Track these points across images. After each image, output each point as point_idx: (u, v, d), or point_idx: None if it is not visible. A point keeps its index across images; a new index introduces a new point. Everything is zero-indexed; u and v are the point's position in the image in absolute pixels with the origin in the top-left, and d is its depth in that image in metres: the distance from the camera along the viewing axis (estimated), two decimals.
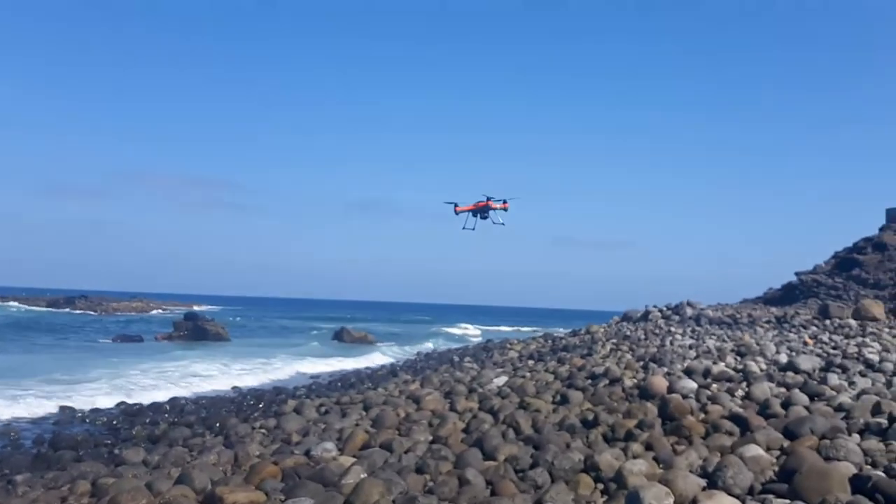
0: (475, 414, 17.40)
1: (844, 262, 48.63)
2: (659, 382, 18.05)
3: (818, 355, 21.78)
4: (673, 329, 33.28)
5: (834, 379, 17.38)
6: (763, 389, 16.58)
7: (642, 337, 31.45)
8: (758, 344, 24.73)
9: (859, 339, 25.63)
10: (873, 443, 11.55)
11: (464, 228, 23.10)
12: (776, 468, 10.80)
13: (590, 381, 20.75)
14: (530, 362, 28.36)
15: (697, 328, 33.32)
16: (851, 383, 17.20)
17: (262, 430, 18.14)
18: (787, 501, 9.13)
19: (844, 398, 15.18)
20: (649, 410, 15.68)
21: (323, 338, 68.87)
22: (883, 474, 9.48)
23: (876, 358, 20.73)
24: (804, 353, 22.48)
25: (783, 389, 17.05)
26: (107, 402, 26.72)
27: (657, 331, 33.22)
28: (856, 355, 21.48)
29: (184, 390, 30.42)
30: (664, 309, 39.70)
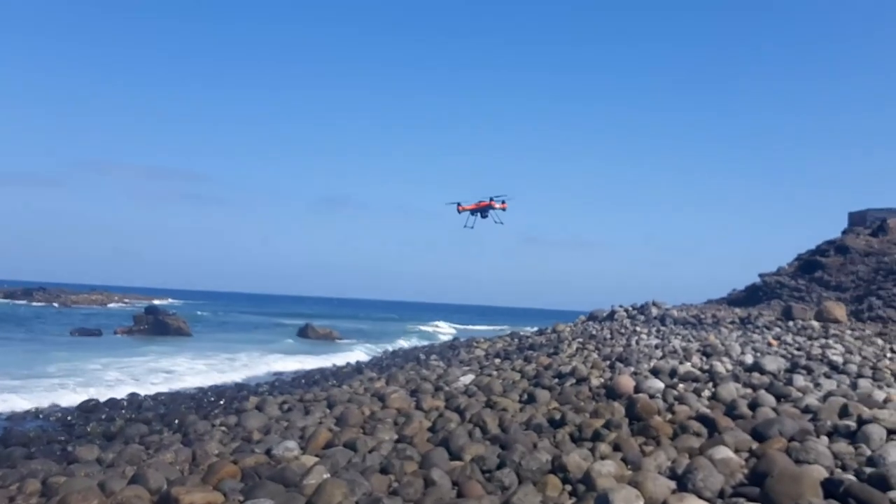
0: (441, 413, 17.13)
1: (807, 265, 49.21)
2: (626, 382, 17.95)
3: (783, 356, 21.87)
4: (638, 329, 33.33)
5: (800, 380, 17.43)
6: (729, 390, 16.55)
7: (608, 336, 31.44)
8: (723, 344, 24.80)
9: (822, 341, 25.85)
10: (843, 445, 11.50)
11: (465, 227, 24.01)
12: (745, 471, 10.70)
13: (556, 380, 20.61)
14: (497, 361, 28.17)
15: (663, 328, 33.40)
16: (817, 385, 17.26)
17: (223, 428, 17.68)
18: None
19: (811, 400, 15.19)
20: (616, 410, 15.54)
21: (287, 334, 68.07)
22: (854, 478, 9.40)
23: (840, 360, 20.89)
24: (769, 354, 22.57)
25: (749, 390, 17.03)
26: (62, 397, 25.97)
27: (623, 330, 33.25)
28: (820, 357, 21.64)
29: (143, 386, 29.70)
30: (630, 309, 39.82)
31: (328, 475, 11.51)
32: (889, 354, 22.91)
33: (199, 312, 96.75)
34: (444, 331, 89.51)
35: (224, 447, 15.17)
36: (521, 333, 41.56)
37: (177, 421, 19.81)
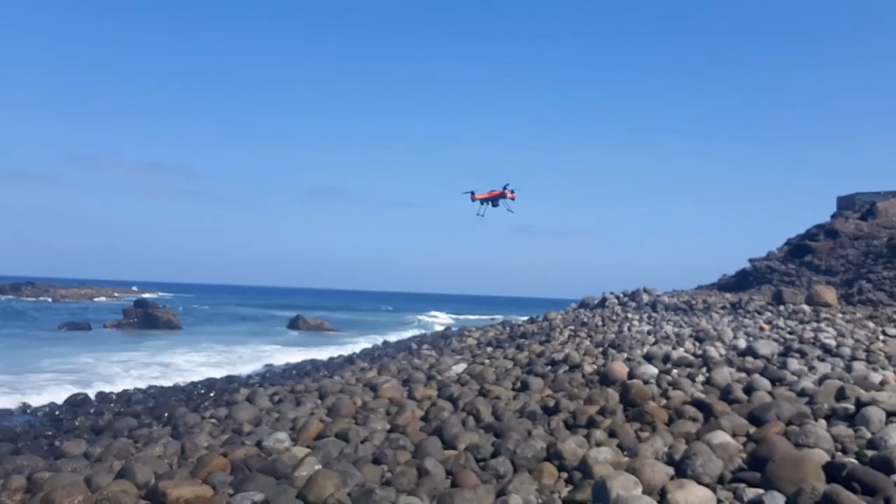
0: (434, 402, 16.94)
1: (797, 249, 49.22)
2: (619, 368, 17.81)
3: (775, 340, 21.81)
4: (630, 315, 33.24)
5: (794, 364, 17.33)
6: (724, 374, 16.43)
7: (600, 323, 31.32)
8: (715, 329, 24.73)
9: (814, 325, 25.80)
10: (842, 428, 11.35)
11: (477, 215, 24.79)
12: (744, 455, 10.56)
13: (549, 367, 20.47)
14: (489, 349, 28.01)
15: (654, 314, 33.33)
16: (811, 368, 17.16)
17: (213, 420, 17.46)
18: (761, 491, 8.82)
19: (807, 383, 15.09)
20: (610, 396, 15.39)
21: (278, 326, 67.73)
22: (856, 461, 9.25)
23: (833, 343, 20.82)
24: (762, 338, 22.49)
25: (743, 374, 16.94)
26: (49, 392, 25.61)
27: (614, 317, 33.16)
28: (812, 340, 21.59)
29: (132, 380, 29.39)
30: (621, 295, 39.76)
31: (320, 466, 11.30)
32: (882, 337, 22.84)
33: (189, 306, 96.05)
34: (442, 321, 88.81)
35: (214, 440, 14.95)
36: (513, 322, 41.43)
37: (166, 414, 19.53)
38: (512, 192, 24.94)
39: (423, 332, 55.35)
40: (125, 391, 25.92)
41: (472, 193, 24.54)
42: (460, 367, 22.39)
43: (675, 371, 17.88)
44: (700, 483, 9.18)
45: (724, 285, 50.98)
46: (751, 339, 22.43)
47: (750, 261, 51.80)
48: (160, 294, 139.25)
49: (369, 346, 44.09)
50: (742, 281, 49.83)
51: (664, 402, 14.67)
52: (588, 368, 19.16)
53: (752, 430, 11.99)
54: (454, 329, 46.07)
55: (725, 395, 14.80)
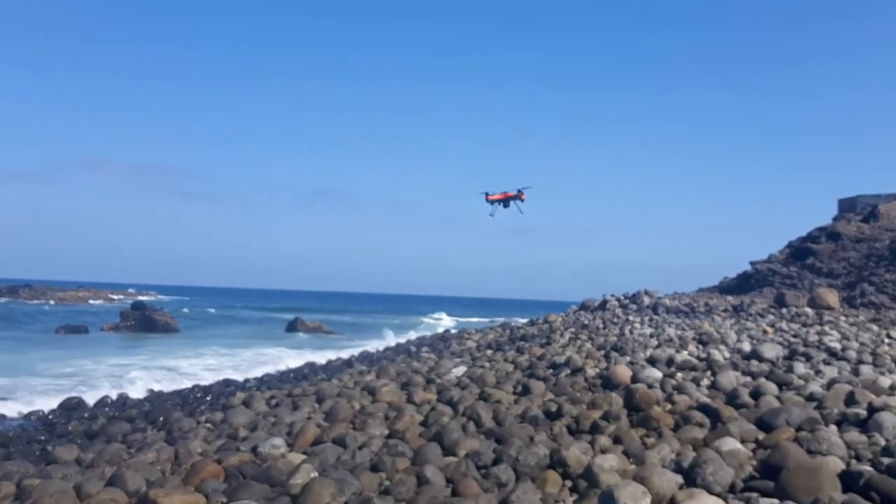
0: (433, 406, 16.58)
1: (799, 252, 48.97)
2: (622, 372, 17.50)
3: (780, 343, 21.50)
4: (631, 318, 32.93)
5: (800, 367, 17.03)
6: (729, 378, 16.12)
7: (601, 326, 31.01)
8: (718, 332, 24.43)
9: (818, 328, 25.53)
10: (855, 435, 11.03)
11: (490, 215, 25.70)
12: (754, 462, 10.23)
13: (551, 370, 20.14)
14: (489, 352, 27.68)
15: (655, 317, 33.03)
16: (818, 372, 16.86)
17: (208, 425, 17.10)
18: (775, 501, 8.48)
19: (815, 387, 14.78)
20: (614, 401, 15.05)
21: (277, 329, 67.38)
22: (872, 469, 8.92)
23: (838, 346, 20.54)
24: (766, 341, 22.19)
25: (749, 378, 16.64)
26: (45, 396, 25.31)
27: (615, 319, 32.84)
28: (817, 343, 21.28)
29: (127, 383, 29.04)
30: (621, 298, 39.44)
31: (316, 474, 10.96)
32: (887, 340, 22.60)
33: (187, 309, 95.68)
34: (447, 323, 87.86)
35: (208, 445, 14.60)
36: (513, 324, 41.11)
37: (161, 418, 19.18)
38: (521, 192, 25.54)
39: (426, 334, 54.87)
40: (121, 395, 25.57)
41: (487, 194, 25.09)
42: (460, 371, 22.06)
43: (679, 375, 17.56)
44: (710, 493, 8.84)
45: (725, 288, 50.71)
46: (755, 342, 22.14)
47: (751, 263, 51.55)
48: (158, 296, 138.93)
49: (369, 349, 43.76)
50: (743, 283, 49.57)
51: (669, 406, 14.36)
52: (590, 372, 18.82)
53: (761, 436, 11.66)
54: (450, 331, 45.73)
55: (732, 399, 14.49)
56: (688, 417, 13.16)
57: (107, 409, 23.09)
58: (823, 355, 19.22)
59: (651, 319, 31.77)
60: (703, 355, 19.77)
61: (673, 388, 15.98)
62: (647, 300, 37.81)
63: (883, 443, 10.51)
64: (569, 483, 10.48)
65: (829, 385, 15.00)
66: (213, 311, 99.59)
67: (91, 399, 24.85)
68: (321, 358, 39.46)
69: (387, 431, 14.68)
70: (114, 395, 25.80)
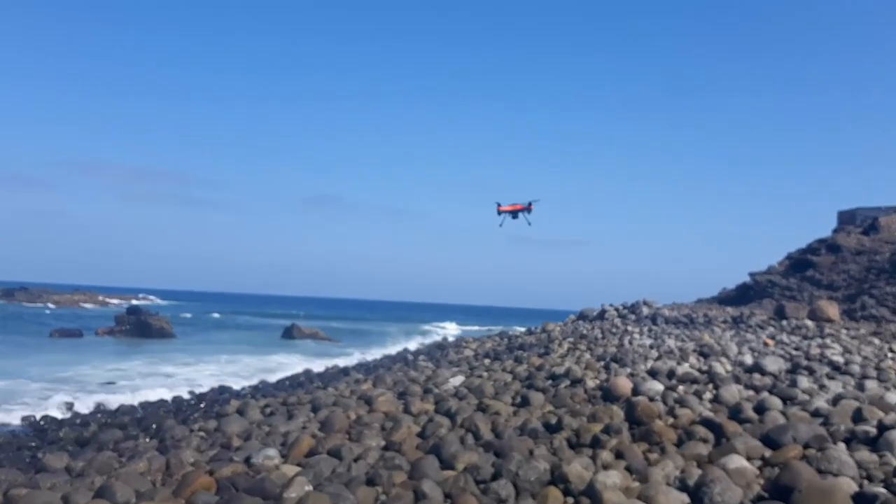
0: (431, 417, 16.28)
1: (798, 263, 48.69)
2: (623, 384, 17.21)
3: (781, 356, 21.24)
4: (630, 328, 32.69)
5: (804, 382, 16.75)
6: (732, 392, 15.86)
7: (599, 336, 30.76)
8: (719, 344, 24.17)
9: (819, 341, 25.30)
10: (865, 454, 10.75)
11: (500, 226, 26.27)
12: (762, 481, 9.95)
13: (550, 381, 19.84)
14: (486, 361, 27.40)
15: (654, 327, 32.79)
16: (822, 386, 16.59)
17: (201, 433, 16.81)
18: None
19: (820, 403, 14.49)
20: (615, 414, 14.79)
21: (273, 335, 66.94)
22: (885, 491, 8.65)
23: (840, 359, 20.28)
24: (767, 354, 21.93)
25: (752, 392, 16.37)
26: (37, 401, 24.99)
27: (614, 330, 32.61)
28: (819, 357, 21.02)
29: (120, 389, 28.77)
30: (620, 308, 39.23)
31: (310, 487, 10.67)
32: (890, 354, 22.34)
33: (183, 313, 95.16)
34: (452, 332, 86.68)
35: (201, 454, 14.30)
36: (511, 333, 40.84)
37: (154, 426, 18.91)
38: (531, 204, 26.24)
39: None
40: (113, 401, 25.24)
41: (498, 205, 25.88)
42: (458, 380, 21.76)
43: (680, 388, 17.28)
44: None
45: (724, 299, 50.40)
46: (756, 354, 21.87)
47: (750, 274, 51.25)
48: (154, 300, 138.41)
49: (367, 357, 43.47)
50: (743, 295, 49.26)
51: (671, 420, 14.09)
52: (590, 383, 18.53)
53: (767, 453, 11.39)
54: (447, 339, 45.41)
55: (735, 414, 14.22)
56: (691, 432, 12.88)
57: (98, 415, 22.77)
58: (826, 369, 18.95)
59: (650, 330, 31.53)
60: (705, 368, 19.50)
61: (675, 402, 15.70)
62: (645, 310, 37.57)
63: (895, 463, 10.23)
64: (570, 500, 10.22)
65: (835, 401, 14.73)
66: (208, 316, 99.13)
67: (83, 405, 24.54)
68: (318, 365, 39.16)
69: (383, 443, 14.39)
70: (104, 400, 25.47)
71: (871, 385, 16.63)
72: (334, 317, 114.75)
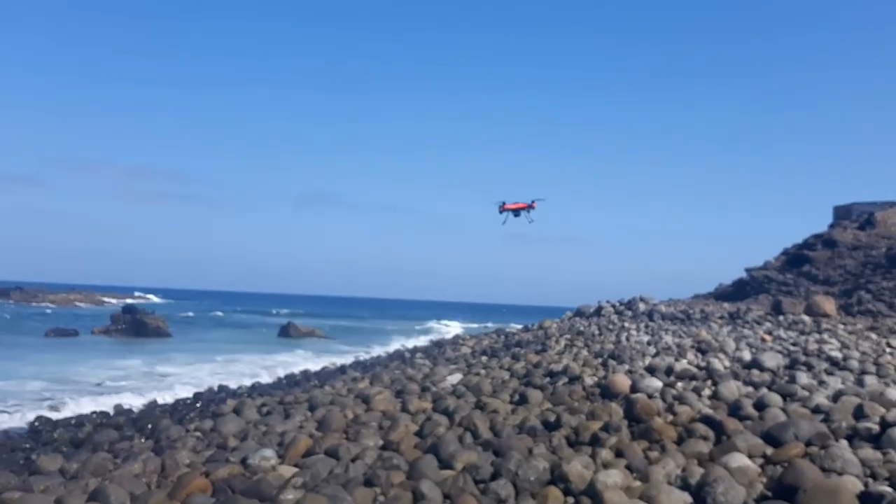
0: (429, 415, 16.16)
1: (795, 259, 48.69)
2: (621, 381, 17.13)
3: (779, 352, 21.19)
4: (627, 324, 32.63)
5: (803, 378, 16.67)
6: (731, 389, 15.77)
7: (596, 332, 30.69)
8: (716, 340, 24.12)
9: (817, 336, 25.23)
10: (868, 452, 10.64)
11: (503, 224, 27.54)
12: (764, 480, 9.85)
13: (548, 378, 19.75)
14: (483, 358, 27.33)
15: (651, 323, 32.73)
16: (821, 382, 16.51)
17: (197, 433, 16.66)
18: None
19: (820, 399, 14.39)
20: (614, 411, 14.69)
21: (269, 333, 66.79)
22: (892, 490, 8.55)
23: (839, 355, 20.22)
24: (765, 349, 21.87)
25: (751, 388, 16.30)
26: (32, 401, 24.87)
27: (611, 326, 32.54)
28: (817, 352, 20.97)
29: (116, 388, 28.62)
30: (617, 304, 39.19)
31: (307, 489, 10.54)
32: (888, 349, 22.27)
33: (179, 312, 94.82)
34: (454, 330, 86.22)
35: (196, 455, 14.16)
36: (507, 330, 40.76)
37: (149, 426, 18.74)
38: (533, 202, 27.31)
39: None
40: (108, 401, 25.08)
41: (504, 203, 27.03)
42: (455, 378, 21.67)
43: (679, 384, 17.19)
44: None
45: (720, 294, 50.40)
46: (754, 350, 21.81)
47: (747, 270, 51.24)
48: (150, 298, 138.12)
49: (363, 355, 43.36)
50: (739, 290, 49.25)
51: (671, 417, 14.00)
52: (588, 381, 18.44)
53: (769, 451, 11.29)
54: (445, 337, 45.32)
55: (735, 410, 14.12)
56: (691, 430, 12.79)
57: (93, 415, 22.60)
58: (825, 365, 18.89)
59: (647, 326, 31.47)
60: (703, 364, 19.43)
61: (674, 399, 15.61)
62: (642, 307, 37.54)
63: None
64: (571, 500, 10.11)
65: (836, 397, 14.64)
66: (205, 314, 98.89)
67: (78, 405, 24.37)
68: (314, 363, 39.06)
69: (381, 442, 14.27)
70: (101, 400, 25.32)
71: (871, 381, 16.54)
72: (332, 315, 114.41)
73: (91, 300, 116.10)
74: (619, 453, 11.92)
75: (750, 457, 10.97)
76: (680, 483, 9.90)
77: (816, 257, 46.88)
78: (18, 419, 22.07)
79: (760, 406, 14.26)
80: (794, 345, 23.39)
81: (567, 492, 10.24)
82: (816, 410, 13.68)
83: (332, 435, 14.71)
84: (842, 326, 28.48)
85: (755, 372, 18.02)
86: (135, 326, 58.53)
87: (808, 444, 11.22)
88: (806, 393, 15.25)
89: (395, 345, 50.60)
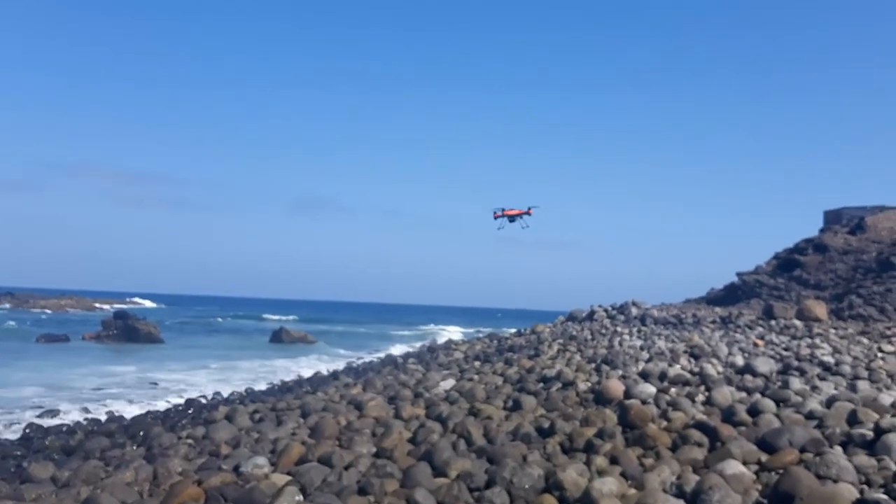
0: (422, 422, 16.13)
1: (786, 263, 48.95)
2: (615, 386, 17.12)
3: (771, 357, 21.23)
4: (619, 329, 32.69)
5: (796, 383, 16.70)
6: (724, 394, 15.80)
7: (589, 337, 30.73)
8: (709, 345, 24.17)
9: (808, 341, 25.34)
10: (863, 458, 10.65)
11: (498, 229, 27.96)
12: (759, 487, 9.84)
13: (541, 384, 19.75)
14: (476, 363, 27.30)
15: (643, 328, 32.80)
16: (814, 388, 16.54)
17: (189, 441, 16.56)
18: None
19: (813, 405, 14.43)
20: (608, 417, 14.70)
21: (261, 339, 66.54)
22: (888, 497, 8.56)
23: (831, 360, 20.28)
24: (758, 354, 21.91)
25: (744, 394, 16.33)
26: (23, 408, 24.67)
27: (603, 331, 32.59)
28: (809, 357, 21.03)
29: (107, 395, 28.43)
30: (609, 308, 39.25)
31: (300, 497, 10.51)
32: (879, 354, 22.36)
33: (171, 318, 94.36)
34: (456, 337, 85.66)
35: (189, 463, 14.07)
36: (500, 335, 40.75)
37: (141, 433, 18.63)
38: (530, 209, 27.77)
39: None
40: (99, 408, 24.94)
41: (503, 210, 27.57)
42: (448, 384, 21.63)
43: (673, 390, 17.21)
44: None
45: (712, 299, 50.62)
46: (747, 355, 21.87)
47: (738, 274, 51.48)
48: (144, 303, 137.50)
49: (355, 360, 43.27)
50: (731, 295, 49.48)
51: (665, 423, 14.00)
52: (582, 386, 18.44)
53: (763, 457, 11.30)
54: (437, 342, 45.28)
55: (729, 416, 14.14)
56: (685, 437, 12.78)
57: (85, 422, 22.45)
58: (817, 370, 18.94)
59: (640, 331, 31.52)
60: (696, 369, 19.45)
61: (667, 405, 15.62)
62: (634, 311, 37.61)
63: (894, 467, 10.14)
64: None
65: (829, 403, 14.67)
66: (197, 320, 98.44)
67: (69, 411, 24.22)
68: (306, 369, 38.96)
69: (374, 449, 14.22)
70: (93, 407, 25.18)
71: (864, 386, 16.60)
72: (325, 320, 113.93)
73: (83, 306, 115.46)
74: (613, 460, 11.90)
75: (745, 463, 10.97)
76: (675, 490, 9.89)
77: (808, 262, 47.13)
78: (9, 426, 21.91)
79: (754, 412, 14.29)
80: (786, 350, 23.47)
81: (562, 500, 10.21)
82: (810, 416, 13.71)
83: (325, 442, 14.65)
84: (833, 331, 28.59)
85: (748, 377, 18.05)
86: (126, 332, 58.20)
87: (803, 450, 11.22)
88: (799, 398, 15.28)
89: (396, 351, 50.40)
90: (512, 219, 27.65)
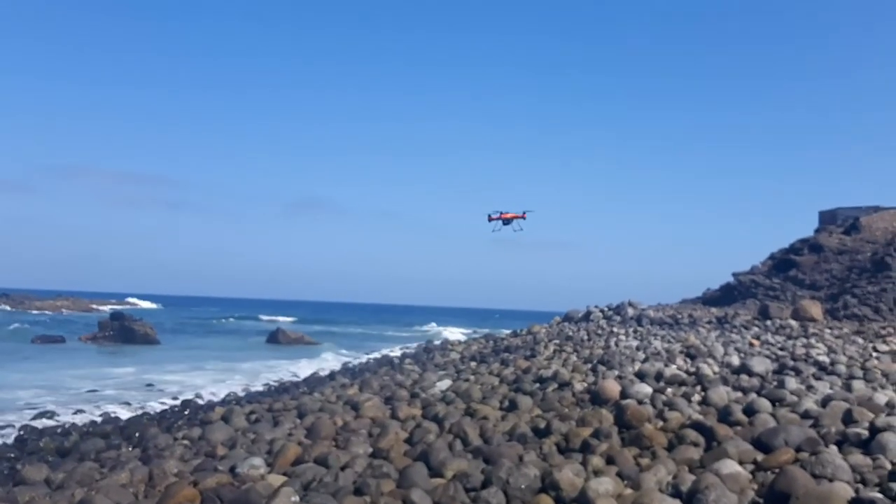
0: (419, 423, 16.14)
1: (781, 264, 49.01)
2: (611, 387, 17.14)
3: (767, 357, 21.27)
4: (615, 329, 32.73)
5: (791, 383, 16.72)
6: (720, 394, 15.82)
7: (585, 337, 30.76)
8: (705, 345, 24.20)
9: (804, 341, 25.39)
10: (858, 457, 10.67)
11: (493, 231, 28.40)
12: (755, 486, 9.86)
13: (538, 384, 19.76)
14: (473, 364, 27.33)
15: (640, 328, 32.84)
16: (810, 387, 16.57)
17: (185, 442, 16.53)
18: None
19: (809, 404, 14.45)
20: (604, 417, 14.70)
21: (258, 340, 66.44)
22: (882, 496, 8.58)
23: (826, 360, 20.32)
24: (753, 354, 21.95)
25: (740, 394, 16.34)
26: (17, 410, 24.60)
27: (600, 331, 32.62)
28: (804, 357, 21.07)
29: (103, 396, 28.37)
30: (605, 309, 39.25)
31: (297, 498, 10.49)
32: (874, 354, 22.40)
33: (167, 319, 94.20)
34: (458, 337, 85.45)
35: (185, 464, 14.04)
36: (496, 335, 40.75)
37: (137, 434, 18.60)
38: (524, 213, 28.21)
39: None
40: (95, 409, 24.88)
41: (501, 213, 27.92)
42: (445, 384, 21.64)
43: (669, 390, 17.23)
44: None
45: (708, 299, 50.64)
46: (743, 355, 21.90)
47: (734, 275, 51.50)
48: (139, 304, 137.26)
49: (351, 360, 43.24)
50: (726, 295, 49.49)
51: (661, 423, 14.02)
52: (578, 386, 18.46)
53: (759, 457, 11.31)
54: (433, 342, 45.26)
55: (725, 416, 14.16)
56: (682, 436, 12.80)
57: (80, 423, 22.40)
58: (813, 369, 18.97)
59: (636, 331, 31.55)
60: (692, 369, 19.48)
61: (664, 405, 15.62)
62: (630, 311, 37.64)
63: (889, 466, 10.17)
64: None
65: (825, 402, 14.69)
66: (194, 321, 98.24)
67: (64, 413, 24.15)
68: (303, 369, 38.92)
69: (370, 450, 14.21)
70: (88, 408, 25.12)
71: (859, 385, 16.63)
72: (323, 320, 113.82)
73: (79, 307, 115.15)
74: (610, 460, 11.91)
75: (741, 463, 10.98)
76: (671, 490, 9.91)
77: (803, 262, 47.19)
78: (3, 428, 21.85)
79: (750, 411, 14.31)
80: (781, 349, 23.50)
81: (558, 500, 10.22)
82: (806, 415, 13.73)
83: (321, 443, 14.64)
84: (828, 331, 28.65)
85: (744, 377, 18.06)
86: (122, 333, 58.09)
87: (799, 449, 11.25)
88: (795, 398, 15.30)
89: (396, 352, 50.39)
90: (507, 222, 27.91)
